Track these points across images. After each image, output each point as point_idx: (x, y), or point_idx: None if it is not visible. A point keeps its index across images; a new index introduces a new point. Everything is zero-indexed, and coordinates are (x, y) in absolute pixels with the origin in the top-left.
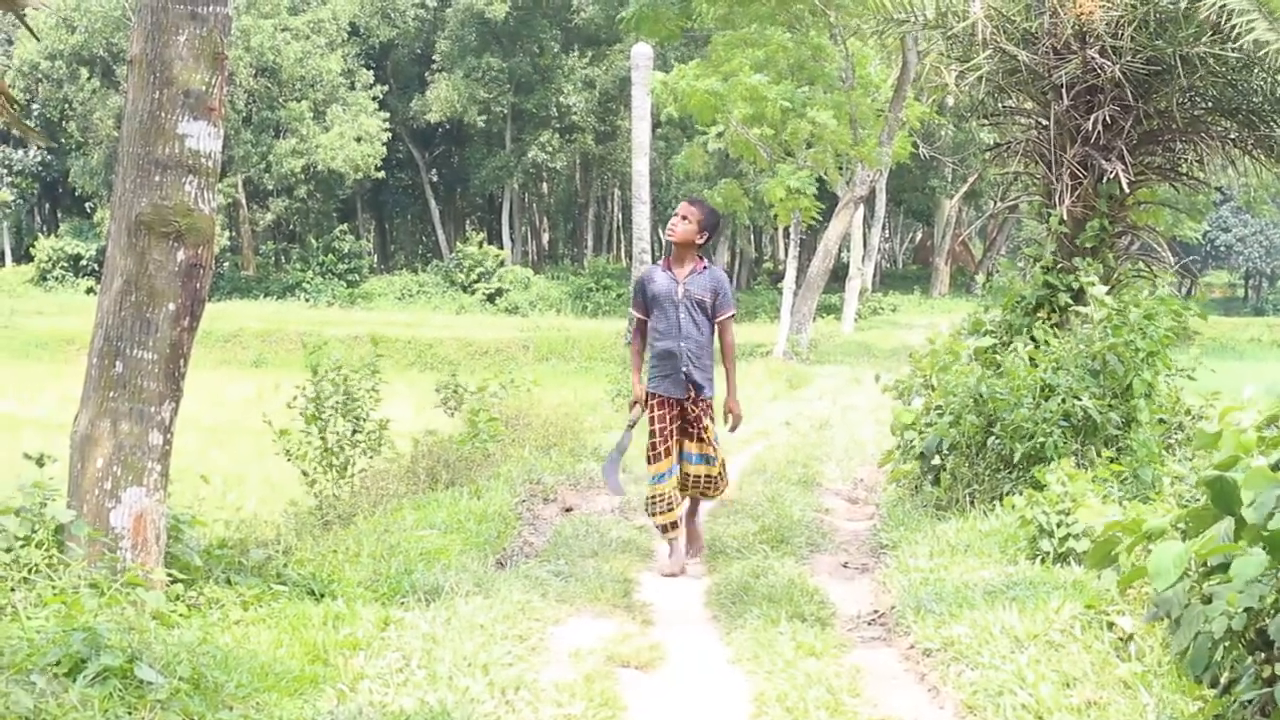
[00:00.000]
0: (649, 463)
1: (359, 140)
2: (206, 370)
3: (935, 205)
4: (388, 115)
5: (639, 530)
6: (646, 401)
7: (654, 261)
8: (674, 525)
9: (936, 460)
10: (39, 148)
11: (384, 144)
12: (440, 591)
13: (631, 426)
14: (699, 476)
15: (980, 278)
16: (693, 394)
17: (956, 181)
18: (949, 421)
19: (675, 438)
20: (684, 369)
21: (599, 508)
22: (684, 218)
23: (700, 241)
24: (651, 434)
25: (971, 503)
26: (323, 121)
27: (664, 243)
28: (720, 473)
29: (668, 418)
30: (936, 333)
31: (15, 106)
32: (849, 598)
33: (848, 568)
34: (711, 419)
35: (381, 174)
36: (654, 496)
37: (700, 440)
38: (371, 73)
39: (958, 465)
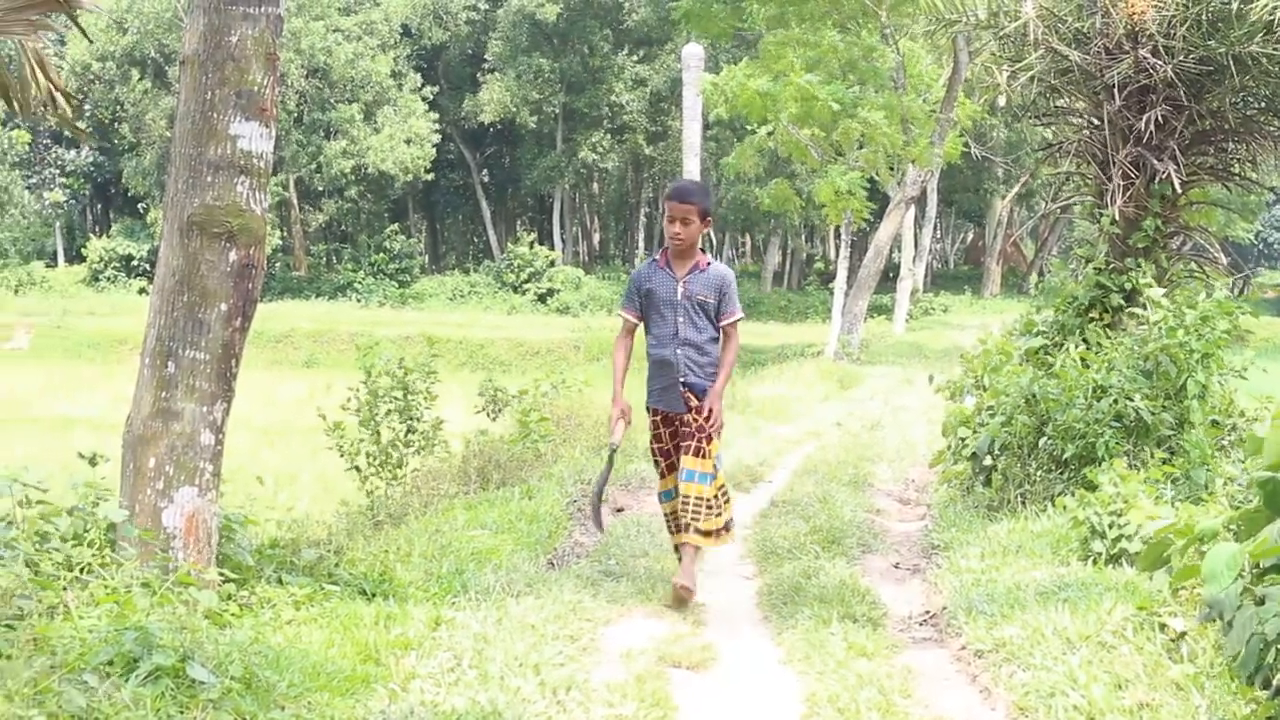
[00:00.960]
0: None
1: (408, 142)
2: (258, 370)
3: (987, 206)
4: (438, 116)
5: None
6: (649, 415)
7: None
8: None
9: (988, 461)
10: (91, 148)
11: (434, 145)
12: (491, 591)
13: (612, 454)
14: (689, 497)
15: (1032, 278)
16: (693, 404)
17: (1008, 182)
18: (1001, 422)
19: (676, 454)
20: (681, 379)
21: (650, 509)
22: (683, 221)
23: (703, 231)
24: (652, 451)
25: (1023, 503)
26: (373, 123)
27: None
28: (717, 496)
29: (665, 435)
30: (988, 333)
31: (70, 104)
32: (900, 598)
33: (899, 568)
34: (716, 433)
35: (431, 175)
36: (666, 515)
37: (698, 454)
38: (421, 74)
39: (1009, 466)
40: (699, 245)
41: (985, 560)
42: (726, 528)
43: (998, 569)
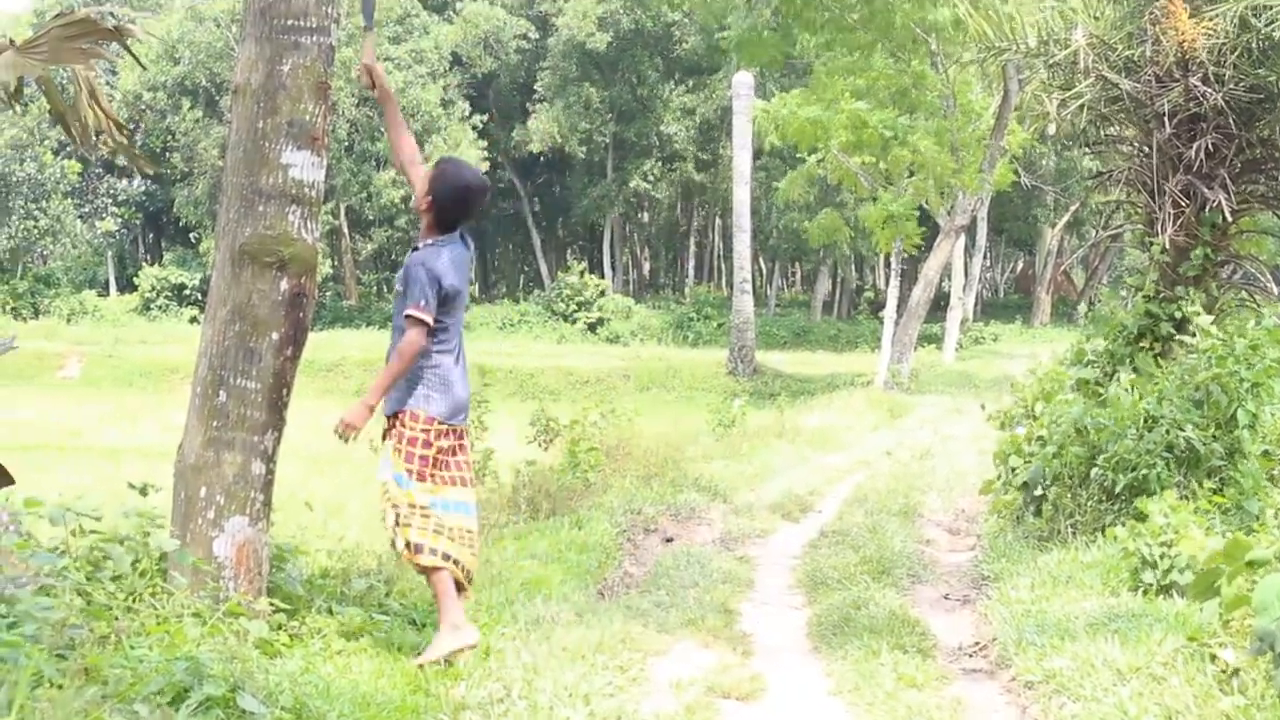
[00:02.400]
0: None
1: None
2: (309, 399)
3: (1037, 234)
4: (488, 145)
5: (740, 561)
6: None
7: (754, 292)
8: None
9: (1039, 491)
10: (144, 177)
11: (484, 172)
12: (541, 621)
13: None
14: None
15: (1082, 307)
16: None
17: (1058, 210)
18: (1052, 452)
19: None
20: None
21: (700, 539)
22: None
23: (424, 209)
24: None
25: (1074, 534)
26: (423, 152)
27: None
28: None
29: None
30: (1039, 362)
31: (123, 133)
32: (950, 629)
33: (949, 599)
34: (394, 440)
35: None
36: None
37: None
38: (470, 103)
39: (1060, 496)
40: (431, 225)
41: (1035, 591)
42: (409, 548)
43: (1048, 600)
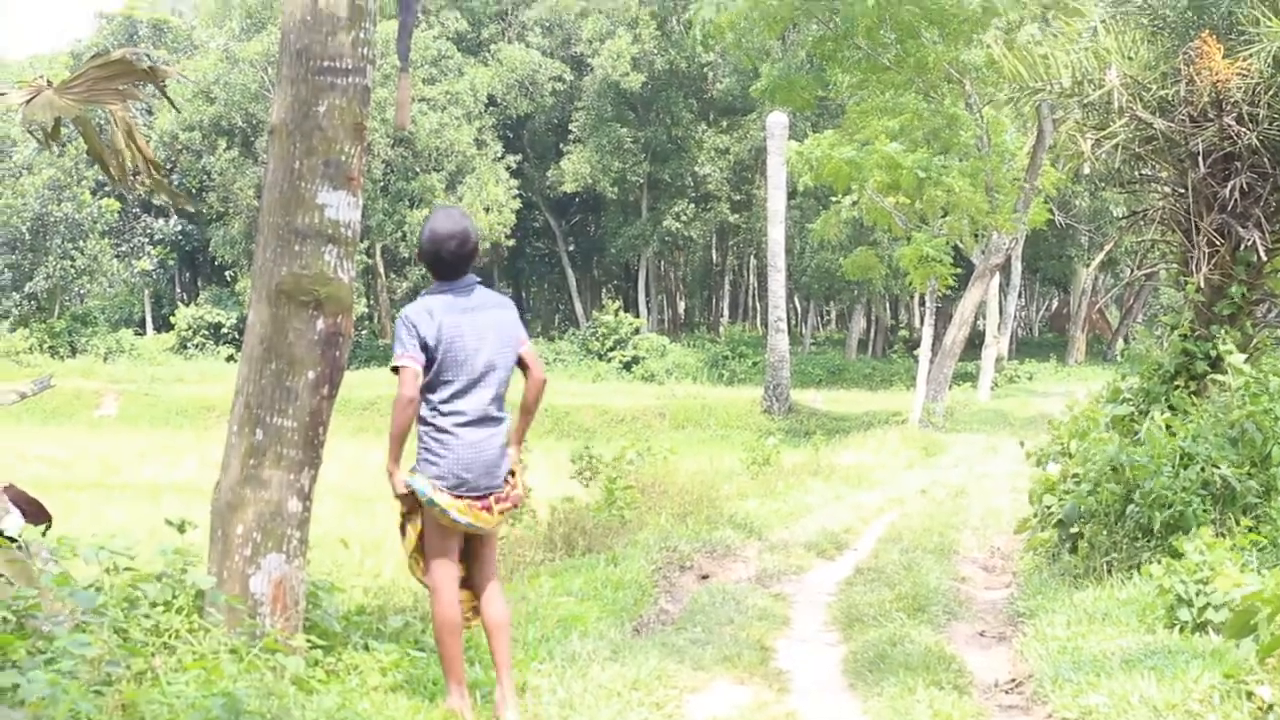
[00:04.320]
0: None
1: (487, 210)
2: (345, 438)
3: (1071, 273)
4: (522, 184)
5: (775, 598)
6: None
7: (789, 330)
8: None
9: (1074, 528)
10: (180, 216)
11: (514, 212)
12: (577, 658)
13: None
14: None
15: (1117, 345)
16: None
17: (1093, 249)
18: (1087, 489)
19: None
20: None
21: (735, 576)
22: None
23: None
24: None
25: (1109, 571)
26: (455, 192)
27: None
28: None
29: None
30: (1074, 400)
31: (159, 172)
32: (986, 666)
33: (985, 636)
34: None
35: (511, 241)
36: None
37: None
38: (505, 144)
39: (1095, 533)
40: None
41: (1071, 628)
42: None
43: (1084, 636)
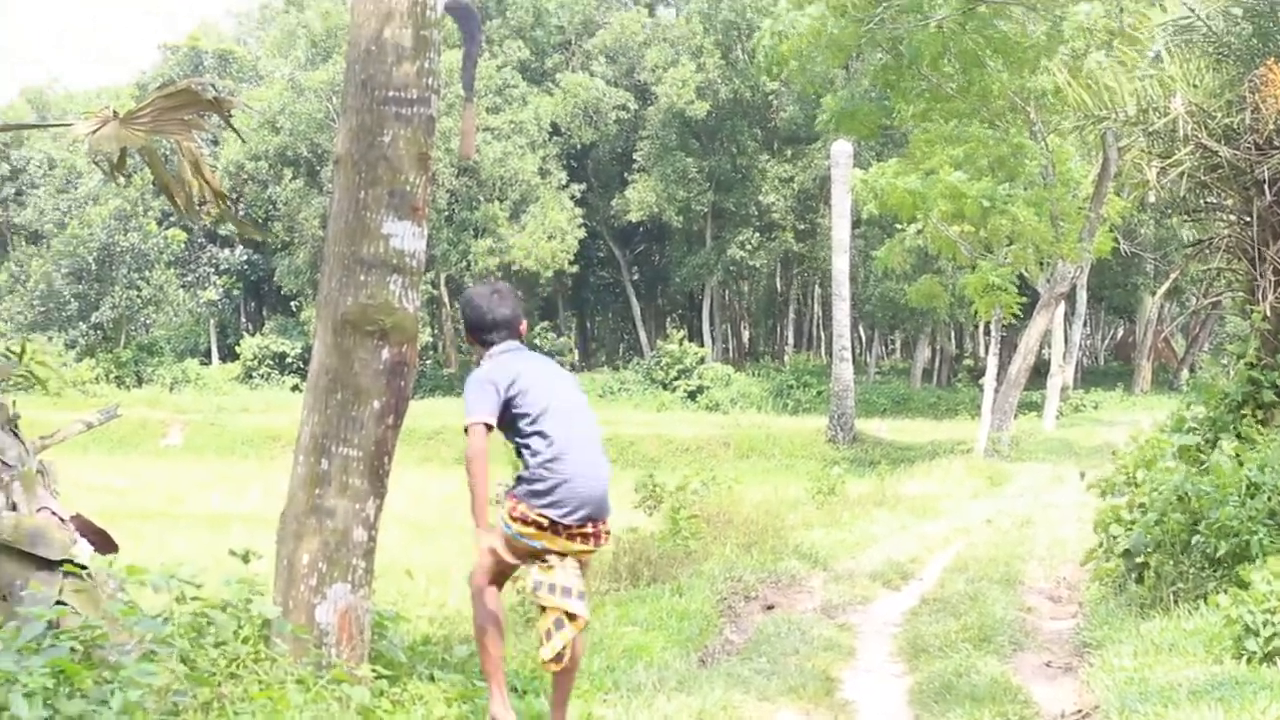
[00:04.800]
0: None
1: (551, 239)
2: (410, 467)
3: (1137, 301)
4: (587, 213)
5: (841, 629)
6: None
7: (854, 359)
8: None
9: (1140, 558)
10: (245, 246)
11: (580, 241)
12: (642, 688)
13: None
14: None
15: (1183, 374)
16: None
17: (1158, 277)
18: (1153, 519)
19: None
20: None
21: (801, 606)
22: None
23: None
24: None
25: (1176, 601)
26: (519, 221)
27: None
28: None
29: None
30: (1140, 430)
31: (225, 202)
32: (1053, 697)
33: (1051, 667)
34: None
35: (575, 269)
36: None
37: None
38: (569, 172)
39: (1162, 563)
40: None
41: (1138, 658)
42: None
43: (1151, 667)
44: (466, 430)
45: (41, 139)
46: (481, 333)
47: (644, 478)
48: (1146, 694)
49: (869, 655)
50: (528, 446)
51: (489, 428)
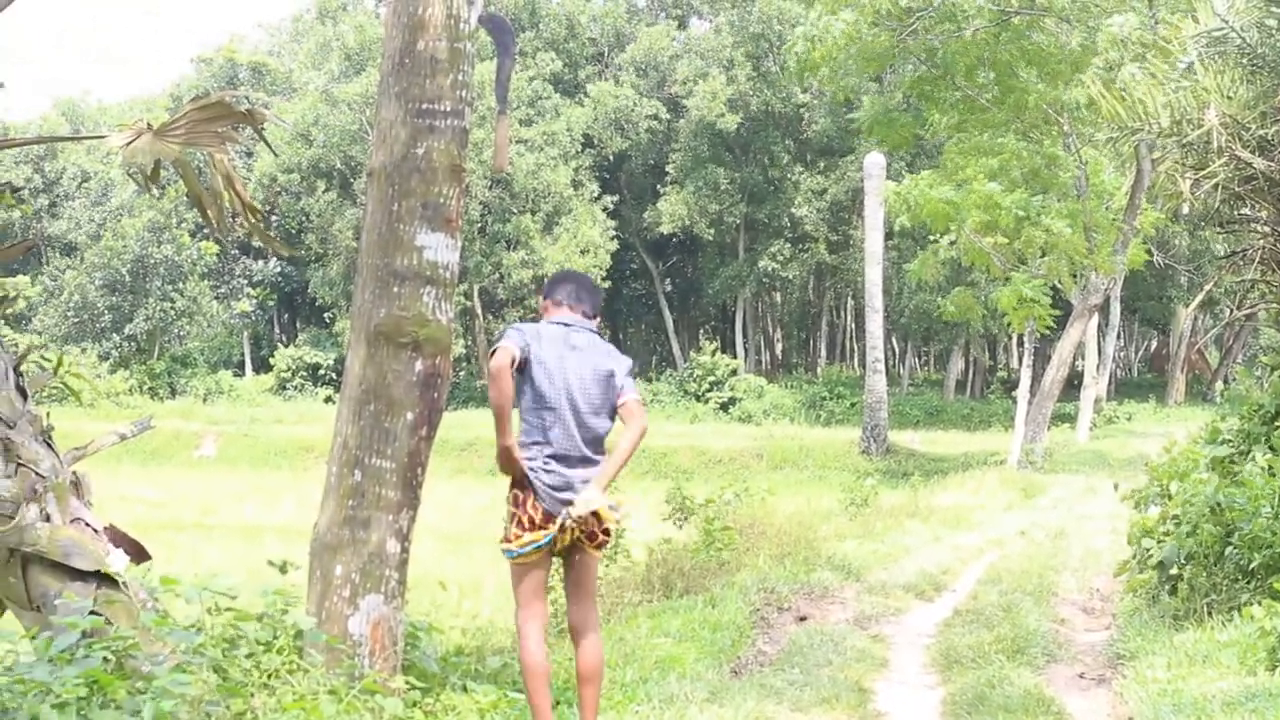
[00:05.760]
0: None
1: (584, 252)
2: (443, 479)
3: (1170, 313)
4: (619, 225)
5: (874, 640)
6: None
7: (887, 371)
8: None
9: (1174, 570)
10: (278, 258)
11: (611, 253)
12: (675, 700)
13: None
14: None
15: (1217, 386)
16: None
17: (1192, 289)
18: (1186, 531)
19: None
20: None
21: (834, 618)
22: None
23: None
24: None
25: (1209, 613)
26: (552, 234)
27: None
28: None
29: None
30: (1173, 442)
31: (257, 216)
32: (1086, 709)
33: (1084, 678)
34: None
35: (608, 283)
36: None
37: None
38: (601, 184)
39: (1195, 575)
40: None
41: (1172, 670)
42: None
43: (1184, 679)
44: (491, 356)
45: (75, 151)
46: (549, 295)
47: (673, 490)
48: (1180, 706)
49: (902, 666)
50: (524, 417)
51: (513, 361)
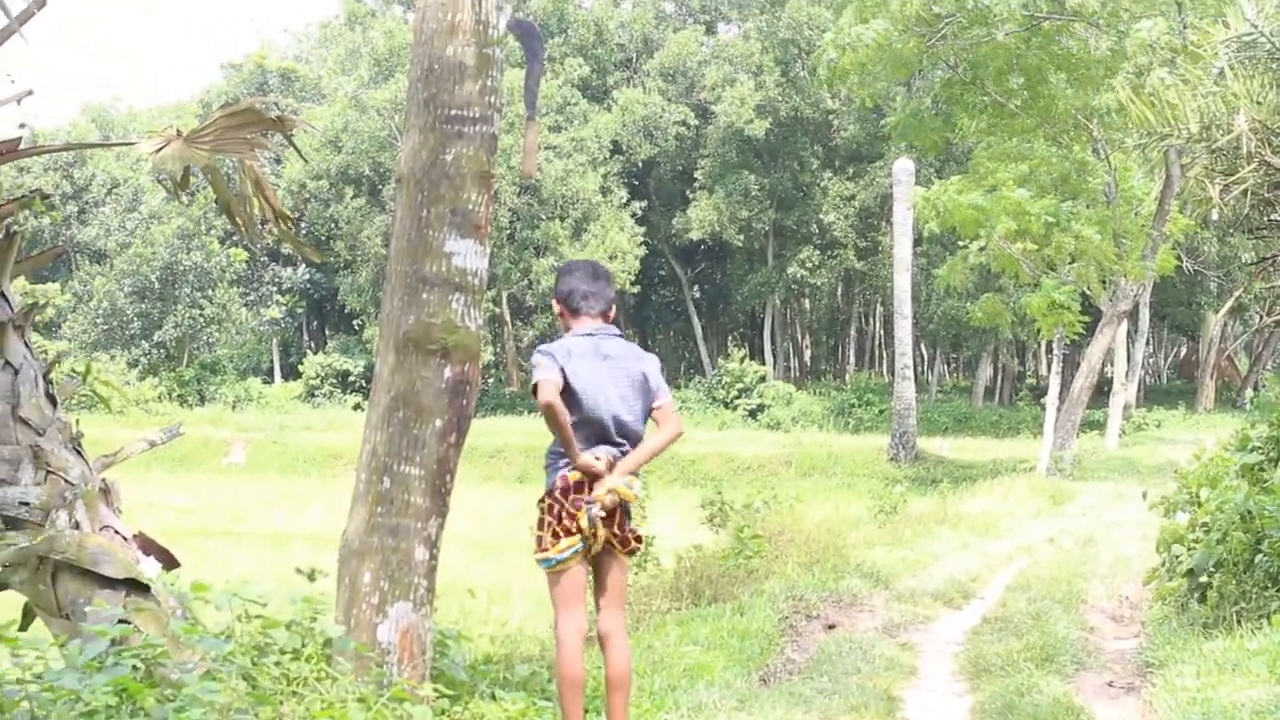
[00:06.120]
0: None
1: (612, 258)
2: (471, 486)
3: (1200, 319)
4: (648, 232)
5: (902, 648)
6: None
7: (915, 378)
8: None
9: (1203, 577)
10: (307, 265)
11: (639, 259)
12: (703, 708)
13: None
14: None
15: (1247, 393)
16: None
17: (1221, 295)
18: (1216, 538)
19: None
20: None
21: (862, 625)
22: None
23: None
24: None
25: (1239, 620)
26: (580, 240)
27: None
28: None
29: None
30: (1203, 449)
31: (287, 223)
32: (1115, 717)
33: (1113, 686)
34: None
35: (637, 288)
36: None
37: None
38: (630, 190)
39: (1225, 582)
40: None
41: (1201, 678)
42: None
43: (1214, 687)
44: (535, 391)
45: (104, 158)
46: (564, 302)
47: (712, 494)
48: (1209, 714)
49: (931, 674)
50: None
51: (558, 389)
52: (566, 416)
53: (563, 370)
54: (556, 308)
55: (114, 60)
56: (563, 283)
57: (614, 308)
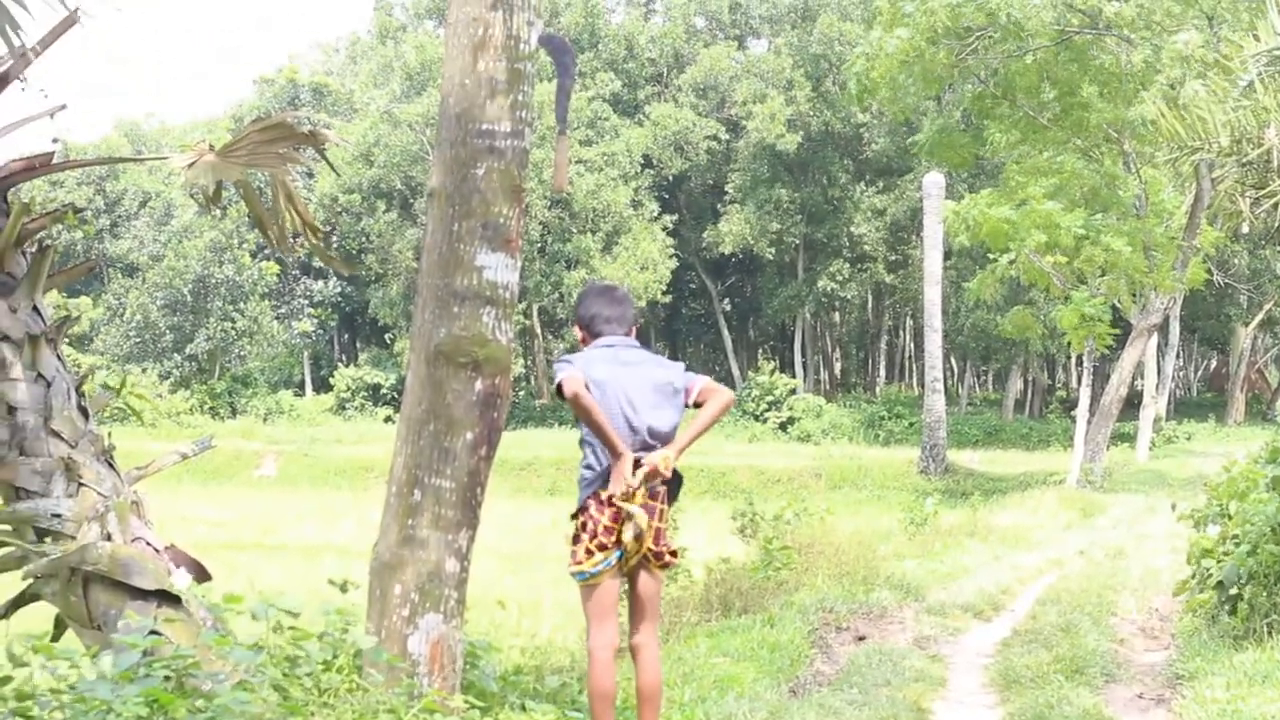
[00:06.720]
0: None
1: (643, 269)
2: (502, 498)
3: (1230, 332)
4: (679, 245)
5: (932, 660)
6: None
7: (945, 391)
8: None
9: (1234, 590)
10: (339, 278)
11: (670, 272)
12: (733, 719)
13: None
14: None
15: (1277, 405)
16: None
17: (1251, 308)
18: (1246, 550)
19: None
20: None
21: (892, 637)
22: None
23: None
24: None
25: (1270, 632)
26: (611, 253)
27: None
28: None
29: None
30: (1233, 461)
31: (318, 236)
32: None
33: (1143, 699)
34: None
35: (667, 300)
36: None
37: None
38: (661, 204)
39: (1255, 594)
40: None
41: (1231, 690)
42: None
43: (1244, 699)
44: (560, 392)
45: (137, 172)
46: (585, 326)
47: (743, 505)
48: None
49: (961, 687)
50: (585, 443)
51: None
52: (593, 400)
53: (583, 373)
54: (578, 332)
55: (118, 66)
56: (584, 307)
57: (633, 329)
